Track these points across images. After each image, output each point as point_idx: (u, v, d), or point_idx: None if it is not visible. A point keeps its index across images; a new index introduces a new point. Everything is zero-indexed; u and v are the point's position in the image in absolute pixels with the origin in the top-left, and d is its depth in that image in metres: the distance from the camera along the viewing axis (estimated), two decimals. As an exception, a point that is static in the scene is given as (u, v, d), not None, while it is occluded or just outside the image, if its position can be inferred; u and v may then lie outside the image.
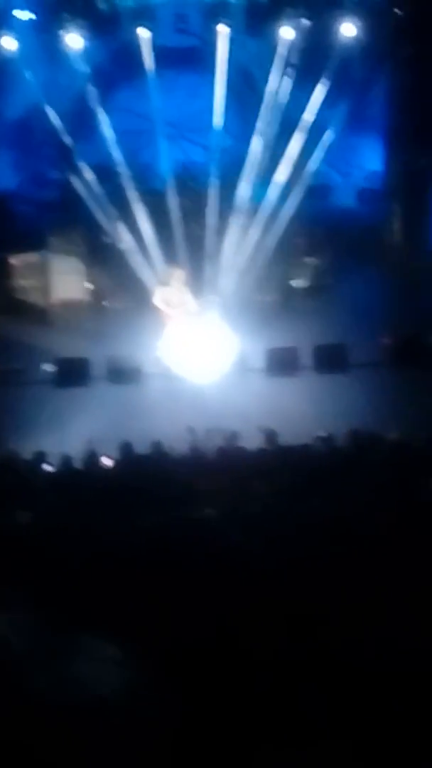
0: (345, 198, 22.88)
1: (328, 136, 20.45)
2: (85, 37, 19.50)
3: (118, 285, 20.40)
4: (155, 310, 18.09)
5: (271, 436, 12.97)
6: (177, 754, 3.23)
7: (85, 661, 3.42)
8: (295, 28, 19.74)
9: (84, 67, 19.75)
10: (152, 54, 19.98)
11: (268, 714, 3.52)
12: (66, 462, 12.17)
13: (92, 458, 12.42)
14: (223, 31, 20.06)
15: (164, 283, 18.43)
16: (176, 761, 3.20)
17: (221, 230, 20.27)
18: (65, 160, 20.34)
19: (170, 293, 18.07)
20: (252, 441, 13.10)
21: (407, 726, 3.44)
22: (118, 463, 12.38)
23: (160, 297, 18.10)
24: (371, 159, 22.69)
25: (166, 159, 20.90)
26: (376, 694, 3.65)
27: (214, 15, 20.39)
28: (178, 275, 18.31)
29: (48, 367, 17.59)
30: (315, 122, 20.14)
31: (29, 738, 2.09)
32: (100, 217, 20.16)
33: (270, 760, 3.23)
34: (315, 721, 3.45)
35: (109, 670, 3.78)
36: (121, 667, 3.91)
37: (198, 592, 4.79)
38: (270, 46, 20.27)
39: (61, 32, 19.40)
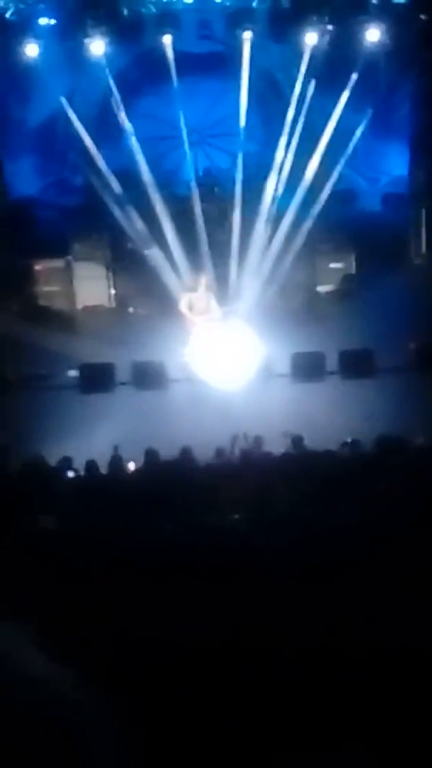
0: (370, 203, 22.84)
1: (353, 141, 20.40)
2: (108, 44, 19.48)
3: (143, 291, 20.40)
4: (180, 315, 18.08)
5: (295, 441, 12.91)
6: (187, 755, 3.19)
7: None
8: (320, 33, 19.66)
9: (107, 74, 19.73)
10: (176, 60, 19.96)
11: (290, 717, 3.47)
12: (91, 467, 12.15)
13: (117, 464, 12.40)
14: (246, 36, 20.04)
15: (190, 289, 18.42)
16: (188, 762, 3.16)
17: (246, 236, 20.23)
18: (89, 166, 20.34)
19: (195, 299, 18.06)
20: (277, 446, 13.04)
21: (422, 728, 3.40)
22: (142, 468, 12.36)
23: (185, 303, 18.10)
24: (397, 164, 22.62)
25: (190, 165, 20.89)
26: (396, 697, 3.60)
27: (237, 21, 20.36)
28: (203, 281, 18.30)
29: (73, 373, 17.61)
30: (340, 127, 20.08)
31: None
32: (124, 223, 20.15)
33: (283, 763, 3.20)
34: (334, 723, 3.41)
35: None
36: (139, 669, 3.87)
37: (223, 596, 4.75)
38: (294, 51, 20.23)
39: (84, 39, 19.39)
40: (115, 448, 12.83)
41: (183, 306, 18.12)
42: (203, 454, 12.81)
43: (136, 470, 12.38)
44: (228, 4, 20.67)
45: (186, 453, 12.49)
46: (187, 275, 19.25)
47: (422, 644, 3.96)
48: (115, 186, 20.00)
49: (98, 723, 1.91)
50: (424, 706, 3.49)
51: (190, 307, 18.04)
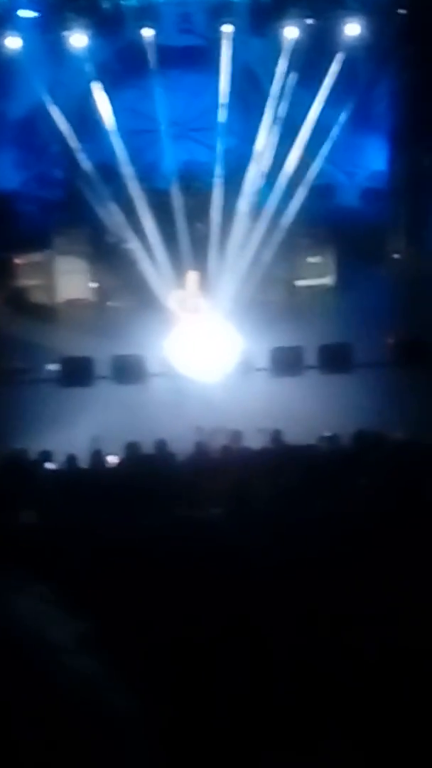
0: (349, 198, 22.86)
1: (332, 136, 20.41)
2: (89, 37, 19.43)
3: (123, 284, 20.38)
4: (161, 309, 18.10)
5: (274, 435, 12.94)
6: (178, 756, 3.24)
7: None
8: (299, 27, 19.67)
9: (88, 67, 19.69)
10: (156, 53, 19.94)
11: (271, 716, 3.52)
12: (71, 461, 12.18)
13: (97, 457, 12.43)
14: (227, 30, 20.02)
15: (179, 286, 18.43)
16: (179, 763, 3.21)
17: (225, 229, 20.23)
18: (69, 159, 20.33)
19: (185, 296, 18.07)
20: (256, 441, 13.09)
21: (411, 727, 3.44)
22: (122, 462, 12.39)
23: (175, 300, 18.10)
24: (376, 158, 22.66)
25: (170, 158, 20.88)
26: (378, 693, 3.65)
27: (218, 15, 20.35)
28: (194, 278, 18.29)
29: (53, 367, 17.60)
30: (319, 122, 20.09)
31: None
32: (104, 216, 20.13)
33: (273, 763, 3.24)
34: (318, 723, 3.46)
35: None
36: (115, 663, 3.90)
37: (201, 590, 4.80)
38: (274, 45, 20.22)
39: (65, 32, 19.36)
40: (95, 442, 12.84)
41: (173, 303, 18.12)
42: (183, 448, 12.84)
43: (117, 464, 12.40)
44: (208, -3, 20.70)
45: (161, 446, 12.52)
46: (173, 271, 19.22)
47: (404, 638, 4.02)
48: (96, 180, 19.97)
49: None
50: (412, 703, 3.54)
51: (180, 304, 18.04)
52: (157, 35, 20.07)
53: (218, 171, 20.46)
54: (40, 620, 1.20)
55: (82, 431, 14.00)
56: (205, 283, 18.74)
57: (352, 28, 19.61)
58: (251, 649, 4.12)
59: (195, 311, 17.93)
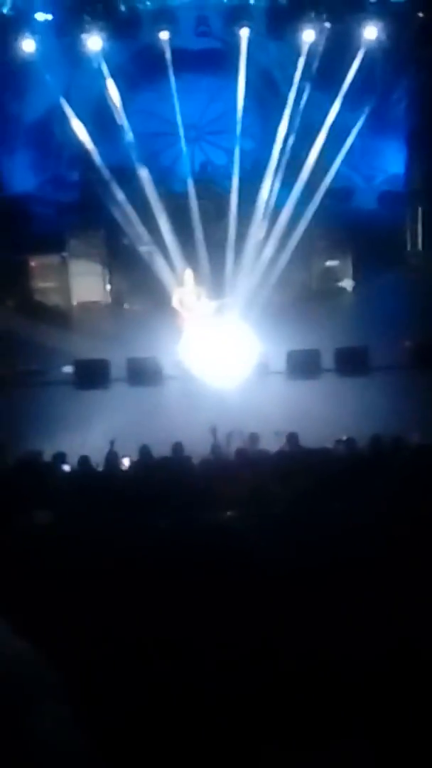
0: (367, 200, 22.83)
1: (350, 139, 20.37)
2: (105, 40, 19.45)
3: (138, 287, 20.39)
4: (175, 312, 18.08)
5: (290, 438, 12.86)
6: (182, 753, 3.18)
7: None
8: (317, 30, 19.62)
9: (104, 70, 19.68)
10: (173, 56, 19.93)
11: (289, 716, 3.46)
12: (85, 463, 12.13)
13: (112, 460, 12.38)
14: (244, 33, 20.00)
15: (179, 284, 18.40)
16: (181, 761, 3.15)
17: (242, 233, 20.21)
18: (85, 162, 20.33)
19: (185, 294, 18.04)
20: (272, 443, 13.02)
21: (420, 727, 3.39)
22: (137, 464, 12.33)
23: (177, 298, 18.09)
24: (393, 162, 22.62)
25: (186, 161, 20.86)
26: (394, 698, 3.59)
27: (235, 18, 20.36)
28: (190, 276, 18.24)
29: (68, 369, 17.58)
30: (337, 125, 20.05)
31: None
32: (120, 219, 20.12)
33: (276, 762, 3.19)
34: (324, 722, 3.40)
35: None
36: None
37: (218, 595, 4.73)
38: (291, 48, 20.23)
39: (81, 34, 19.35)
40: (111, 444, 12.80)
41: (175, 302, 18.12)
42: (198, 450, 12.78)
43: (132, 466, 12.35)
44: (225, 1, 20.66)
45: (178, 449, 12.47)
46: (178, 271, 19.19)
47: (421, 644, 3.95)
48: (112, 182, 19.95)
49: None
50: (422, 706, 3.48)
51: (181, 303, 18.03)
52: (173, 38, 20.09)
53: (235, 174, 20.42)
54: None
55: (97, 433, 13.96)
56: (213, 283, 18.72)
57: (370, 31, 19.59)
58: (264, 653, 4.07)
59: (195, 308, 17.90)
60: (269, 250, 19.99)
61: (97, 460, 12.38)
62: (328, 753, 3.17)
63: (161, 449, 12.57)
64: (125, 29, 20.19)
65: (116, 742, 3.13)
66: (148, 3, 20.27)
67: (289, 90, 20.11)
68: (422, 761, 3.25)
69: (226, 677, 3.81)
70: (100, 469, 12.17)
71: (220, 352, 17.63)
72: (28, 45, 19.17)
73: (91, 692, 3.62)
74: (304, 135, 20.08)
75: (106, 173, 19.94)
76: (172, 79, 20.01)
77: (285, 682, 3.78)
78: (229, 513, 8.66)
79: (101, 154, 20.00)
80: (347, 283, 20.67)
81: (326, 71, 19.90)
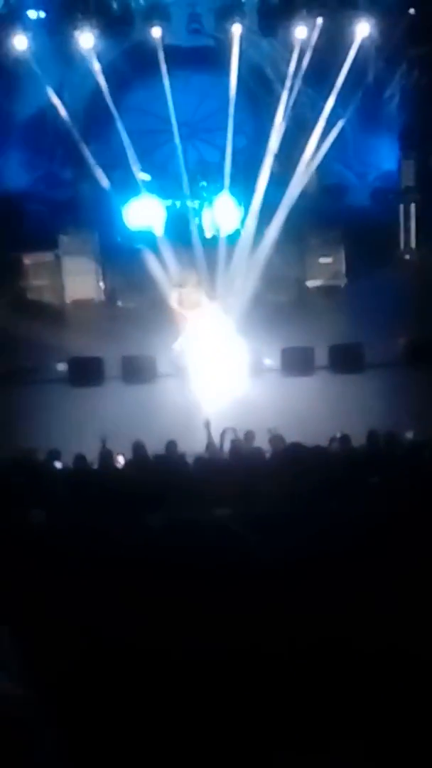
0: (360, 197, 22.81)
1: (342, 136, 20.38)
2: (97, 37, 19.42)
3: (132, 285, 20.34)
4: (170, 310, 18.06)
5: (276, 439, 12.78)
6: (186, 756, 3.17)
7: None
8: (309, 27, 19.59)
9: (97, 67, 19.65)
10: (165, 54, 19.89)
11: (278, 717, 3.46)
12: (80, 461, 12.10)
13: (106, 457, 12.35)
14: (236, 30, 19.96)
15: (179, 284, 18.38)
16: (186, 763, 3.15)
17: (236, 230, 20.22)
18: (77, 159, 20.30)
19: (185, 294, 18.03)
20: (266, 441, 12.99)
21: (416, 726, 3.38)
22: (131, 462, 12.31)
23: (175, 298, 18.08)
24: (386, 158, 22.61)
25: (179, 159, 20.81)
26: (385, 693, 3.59)
27: (227, 14, 20.33)
28: (192, 277, 18.25)
29: (62, 367, 17.57)
30: (329, 122, 20.04)
31: None
32: (113, 216, 20.09)
33: (282, 763, 3.19)
34: (325, 723, 3.40)
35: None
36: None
37: (213, 592, 4.72)
38: (284, 45, 20.20)
39: (73, 32, 19.32)
40: (104, 442, 12.77)
41: (173, 301, 18.10)
42: (193, 448, 12.77)
43: (126, 464, 12.33)
44: (217, -3, 20.66)
45: (171, 447, 12.45)
46: (177, 271, 19.16)
47: (417, 642, 3.95)
48: (104, 180, 19.93)
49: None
50: (419, 705, 3.48)
51: (180, 302, 18.01)
52: (165, 35, 20.04)
53: (227, 171, 20.39)
54: None
55: (92, 431, 13.93)
56: (207, 281, 18.71)
57: (362, 28, 19.57)
58: (257, 650, 4.07)
59: (195, 308, 17.90)
60: (262, 248, 19.96)
61: (92, 458, 12.36)
62: (327, 755, 3.17)
63: (156, 447, 12.55)
64: (117, 27, 20.14)
65: (111, 744, 3.13)
66: (141, 0, 20.22)
67: (281, 87, 20.10)
68: (416, 760, 3.25)
69: (220, 675, 3.80)
70: (95, 467, 12.15)
71: (214, 349, 17.61)
72: (20, 42, 19.12)
73: (91, 695, 3.62)
74: (296, 132, 20.07)
75: (98, 171, 19.90)
76: (165, 76, 19.97)
77: (280, 681, 3.77)
78: (223, 511, 8.64)
79: (94, 151, 19.97)
80: (339, 279, 20.64)
81: (318, 68, 19.91)
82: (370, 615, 4.44)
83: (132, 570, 5.43)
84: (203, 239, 20.23)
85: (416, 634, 4.18)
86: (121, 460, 12.47)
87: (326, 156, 20.32)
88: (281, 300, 19.91)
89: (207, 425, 13.21)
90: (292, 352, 17.53)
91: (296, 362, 17.42)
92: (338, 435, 12.79)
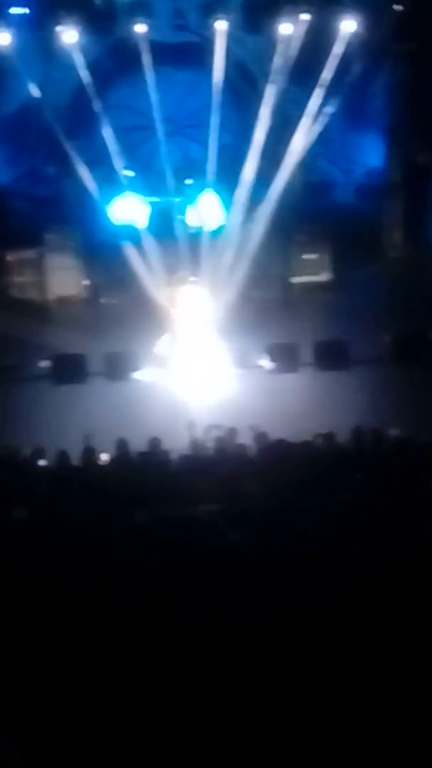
0: (345, 194, 22.73)
1: (327, 133, 20.34)
2: (81, 33, 19.36)
3: (115, 281, 20.28)
4: (156, 308, 18.04)
5: (260, 436, 12.75)
6: (178, 754, 3.13)
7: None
8: (294, 23, 19.56)
9: (80, 63, 19.58)
10: (149, 50, 19.83)
11: (268, 715, 3.41)
12: (63, 458, 12.05)
13: (89, 455, 12.30)
14: (220, 27, 19.90)
15: (172, 284, 18.37)
16: (178, 762, 3.10)
17: (220, 227, 20.18)
18: (61, 156, 20.23)
19: (178, 295, 18.03)
20: (250, 437, 12.97)
21: (407, 724, 3.35)
22: (115, 459, 12.28)
23: (168, 298, 18.07)
24: (371, 155, 22.55)
25: (164, 155, 20.75)
26: (375, 692, 3.55)
27: (211, 11, 20.27)
28: (187, 277, 18.24)
29: (45, 364, 17.52)
30: (314, 118, 20.00)
31: None
32: (96, 213, 20.03)
33: (271, 761, 3.15)
34: (313, 721, 3.36)
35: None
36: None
37: (193, 588, 4.67)
38: (268, 42, 20.13)
39: (56, 27, 19.25)
40: (87, 439, 12.72)
41: (165, 299, 18.10)
42: (176, 445, 12.74)
43: (110, 461, 12.30)
44: (201, -7, 20.61)
45: (154, 444, 12.42)
46: (173, 269, 19.13)
47: (401, 639, 3.92)
48: (88, 177, 19.87)
49: None
50: (403, 704, 3.45)
51: (173, 302, 18.01)
52: (149, 31, 19.98)
53: (211, 168, 20.35)
54: None
55: (75, 428, 13.89)
56: (198, 282, 18.68)
57: (348, 24, 19.56)
58: (246, 646, 4.02)
59: (187, 308, 17.89)
60: (247, 245, 19.91)
61: (75, 455, 12.31)
62: (308, 752, 3.12)
63: (138, 444, 12.52)
64: (101, 23, 20.07)
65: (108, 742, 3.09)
66: (124, -5, 20.19)
67: (266, 84, 20.05)
68: (400, 759, 3.22)
69: (207, 673, 3.76)
70: (76, 464, 12.11)
71: (199, 347, 17.59)
72: (3, 38, 19.07)
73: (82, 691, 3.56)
74: (281, 129, 20.03)
75: (82, 167, 19.84)
76: (149, 72, 19.90)
77: (264, 678, 3.73)
78: (207, 507, 8.60)
79: (78, 148, 19.90)
80: (324, 276, 20.61)
81: (304, 65, 19.86)
82: (353, 612, 4.41)
83: (114, 566, 5.38)
84: (188, 236, 20.16)
85: (400, 630, 4.15)
86: (104, 457, 12.43)
87: (311, 152, 20.31)
88: (266, 297, 19.88)
89: (190, 427, 13.19)
90: (278, 348, 17.52)
91: (281, 358, 17.42)
92: (323, 431, 12.76)
